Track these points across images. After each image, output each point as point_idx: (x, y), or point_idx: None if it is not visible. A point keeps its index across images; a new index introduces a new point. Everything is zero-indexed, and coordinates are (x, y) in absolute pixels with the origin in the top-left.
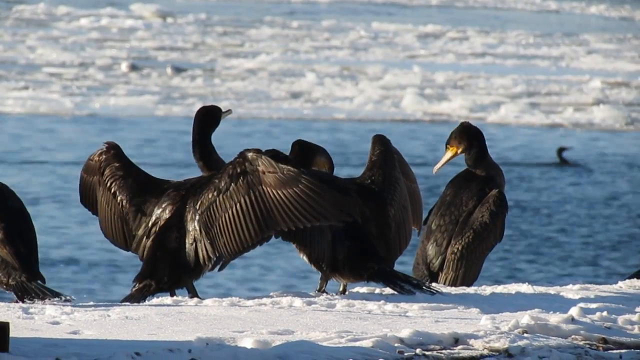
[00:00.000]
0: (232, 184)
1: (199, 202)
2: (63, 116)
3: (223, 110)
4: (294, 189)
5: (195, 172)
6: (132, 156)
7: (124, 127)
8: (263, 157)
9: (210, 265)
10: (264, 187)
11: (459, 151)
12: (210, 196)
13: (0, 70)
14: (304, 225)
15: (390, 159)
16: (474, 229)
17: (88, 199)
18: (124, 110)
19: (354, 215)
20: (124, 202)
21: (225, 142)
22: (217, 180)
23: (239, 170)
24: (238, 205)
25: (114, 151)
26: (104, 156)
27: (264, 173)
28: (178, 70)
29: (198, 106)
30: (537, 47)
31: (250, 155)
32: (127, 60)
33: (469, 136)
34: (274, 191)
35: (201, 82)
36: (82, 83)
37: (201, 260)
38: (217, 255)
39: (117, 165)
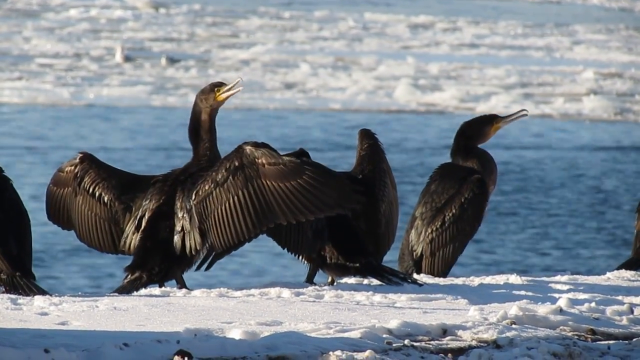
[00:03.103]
0: (230, 177)
1: (194, 193)
2: (61, 107)
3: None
4: (298, 180)
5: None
6: (129, 144)
7: (121, 117)
8: (264, 149)
9: (199, 257)
10: (263, 180)
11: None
12: (207, 187)
13: None
14: (306, 217)
15: (379, 152)
16: (448, 214)
17: (58, 212)
18: (118, 101)
19: (359, 202)
20: (112, 201)
21: (220, 132)
22: (214, 173)
23: (237, 163)
24: (235, 198)
25: (89, 160)
26: (79, 166)
27: (264, 166)
28: (172, 60)
29: (192, 97)
30: (531, 37)
31: (248, 148)
32: (121, 51)
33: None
34: (275, 184)
35: (195, 73)
36: (76, 74)
37: (188, 251)
38: (208, 247)
39: (97, 170)
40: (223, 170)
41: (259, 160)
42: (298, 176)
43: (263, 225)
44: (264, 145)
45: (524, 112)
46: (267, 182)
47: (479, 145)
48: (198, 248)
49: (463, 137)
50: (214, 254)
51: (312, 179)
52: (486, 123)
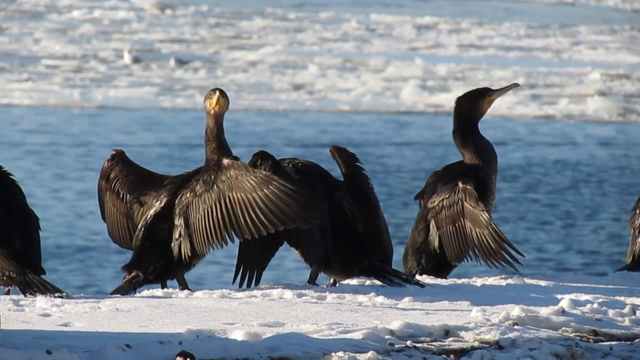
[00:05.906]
0: (206, 190)
1: (178, 200)
2: (70, 108)
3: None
4: (264, 190)
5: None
6: (141, 146)
7: (130, 118)
8: (238, 162)
9: (196, 261)
10: (234, 192)
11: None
12: (188, 196)
13: (2, 62)
14: (268, 231)
15: (358, 160)
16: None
17: (101, 205)
18: (126, 102)
19: (320, 217)
20: (127, 197)
21: (227, 133)
22: (194, 182)
23: (212, 177)
24: (209, 209)
25: (118, 157)
26: (110, 162)
27: (236, 178)
28: (181, 62)
29: (200, 98)
30: (539, 39)
31: (226, 162)
32: (129, 52)
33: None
34: (243, 195)
35: (204, 74)
36: (84, 75)
37: (183, 256)
38: (195, 253)
39: (121, 168)
40: (201, 182)
41: (232, 173)
42: (264, 187)
43: (232, 238)
44: (239, 159)
45: (516, 84)
46: (237, 194)
47: (479, 127)
48: (189, 253)
49: (461, 114)
50: (247, 271)
51: (279, 190)
52: (479, 97)
